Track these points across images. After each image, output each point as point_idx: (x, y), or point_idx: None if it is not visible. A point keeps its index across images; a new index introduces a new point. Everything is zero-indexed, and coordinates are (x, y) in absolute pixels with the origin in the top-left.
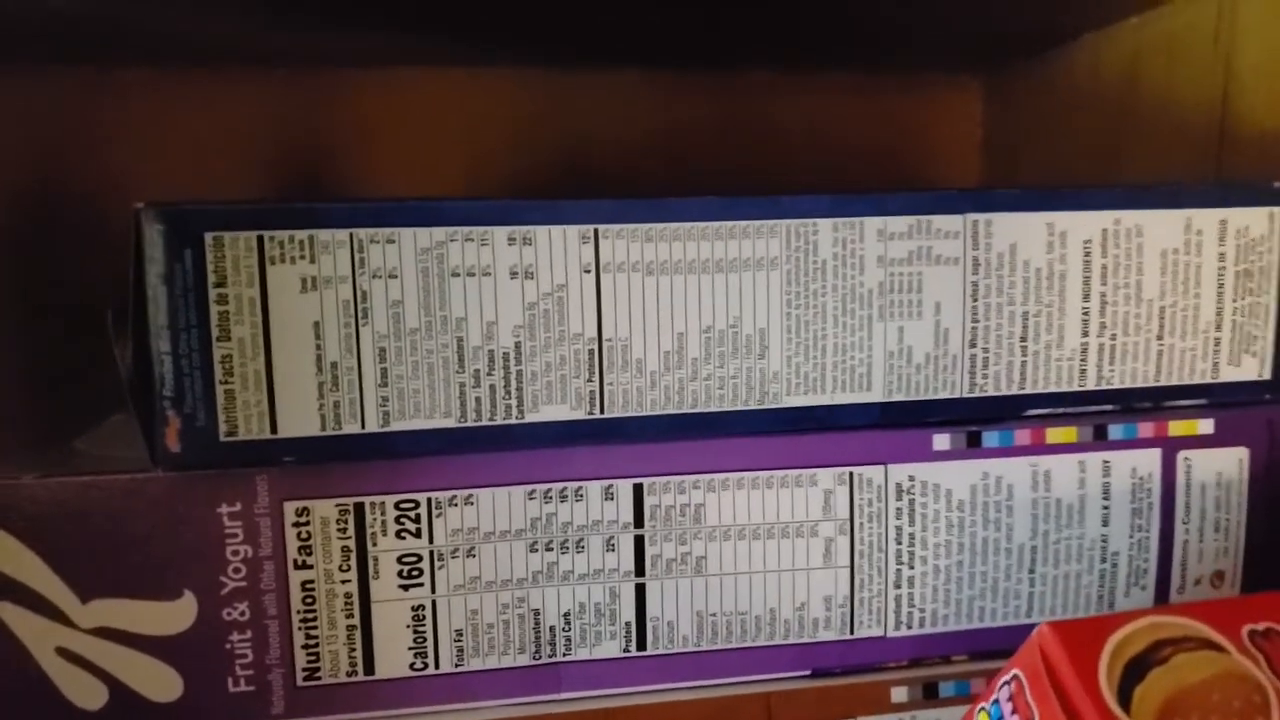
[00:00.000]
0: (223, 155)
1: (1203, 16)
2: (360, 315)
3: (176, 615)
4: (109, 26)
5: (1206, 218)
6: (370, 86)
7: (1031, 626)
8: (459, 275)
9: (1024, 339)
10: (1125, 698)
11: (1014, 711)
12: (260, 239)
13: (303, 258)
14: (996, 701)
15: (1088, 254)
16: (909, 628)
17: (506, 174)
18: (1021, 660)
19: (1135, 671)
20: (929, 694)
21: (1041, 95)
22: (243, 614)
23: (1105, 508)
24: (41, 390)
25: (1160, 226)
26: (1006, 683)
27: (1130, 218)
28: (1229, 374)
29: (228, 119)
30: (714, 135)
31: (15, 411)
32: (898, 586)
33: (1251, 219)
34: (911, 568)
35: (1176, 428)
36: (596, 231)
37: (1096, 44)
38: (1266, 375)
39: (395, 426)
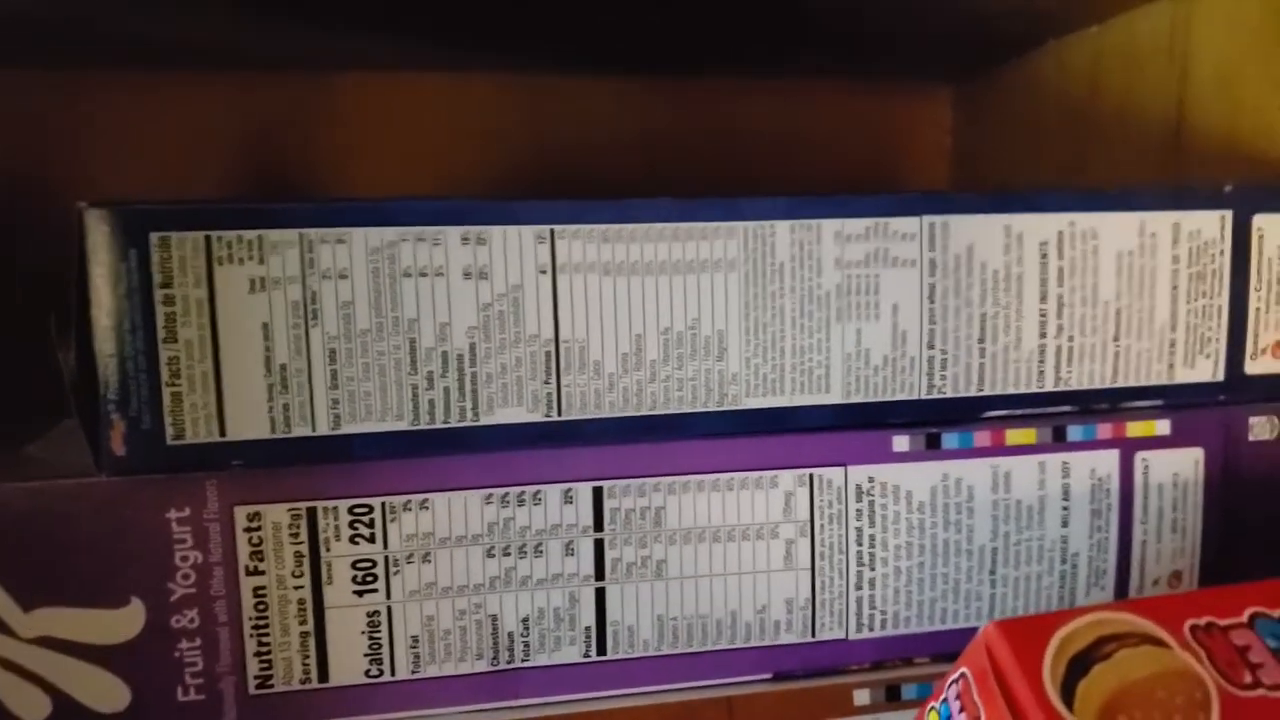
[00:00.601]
0: (196, 159)
1: (1158, 27)
2: (310, 316)
3: (123, 623)
4: (79, 28)
5: (1159, 220)
6: (345, 91)
7: None
8: (411, 276)
9: (982, 340)
10: (1069, 694)
11: (961, 710)
12: (208, 239)
13: (251, 258)
14: (945, 700)
15: (1044, 256)
16: (870, 630)
17: (480, 180)
18: (969, 659)
19: (1079, 667)
20: (891, 696)
21: (1008, 103)
22: (192, 621)
23: (1065, 509)
24: None
25: (1115, 229)
26: (954, 681)
27: (1085, 220)
28: (1184, 375)
29: (202, 123)
30: (687, 142)
31: None
32: (859, 588)
33: (1203, 222)
34: (872, 569)
35: (1134, 429)
36: (553, 232)
37: (1059, 52)
38: (1220, 377)
39: (347, 429)
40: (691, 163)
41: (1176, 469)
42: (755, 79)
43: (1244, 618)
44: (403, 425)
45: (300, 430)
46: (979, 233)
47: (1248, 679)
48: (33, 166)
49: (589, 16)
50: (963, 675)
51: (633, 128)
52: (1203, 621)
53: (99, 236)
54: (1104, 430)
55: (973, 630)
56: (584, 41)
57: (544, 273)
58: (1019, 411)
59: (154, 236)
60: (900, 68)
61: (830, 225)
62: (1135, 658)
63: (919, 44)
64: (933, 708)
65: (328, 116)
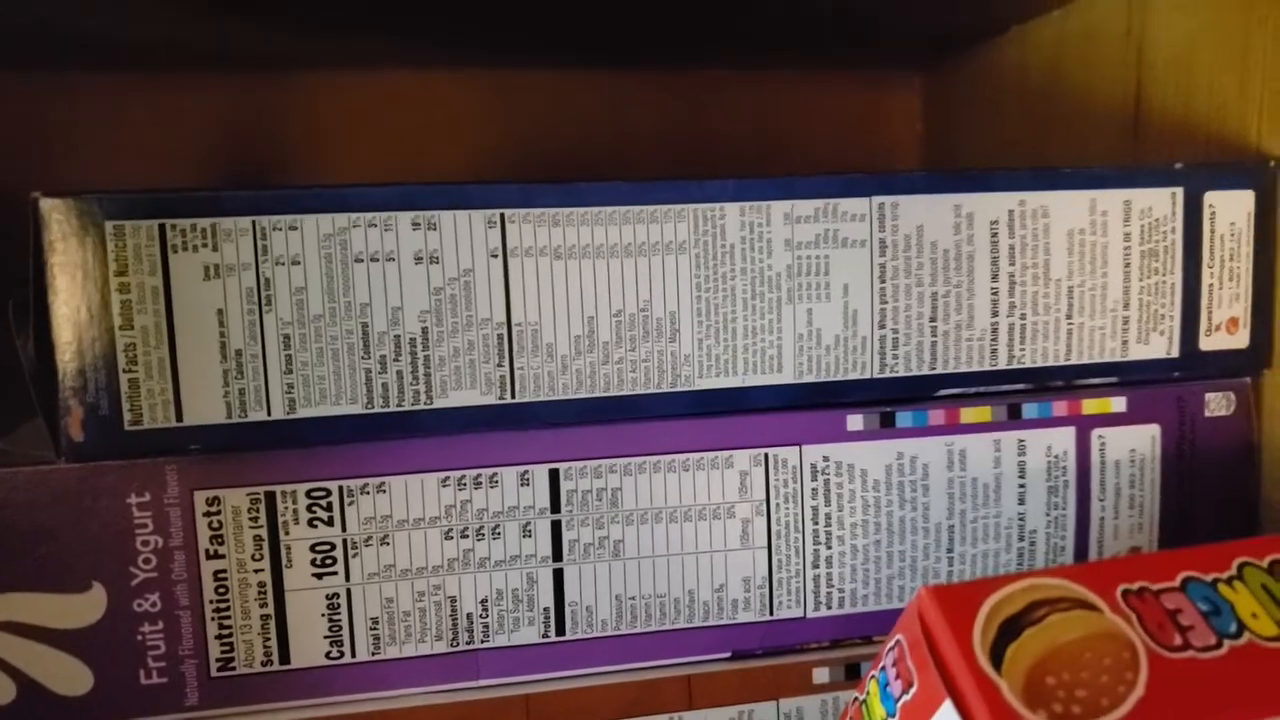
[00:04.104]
0: (164, 161)
1: (1116, 7)
2: (264, 302)
3: (85, 608)
4: (44, 30)
5: (1111, 199)
6: (316, 91)
7: None
8: (363, 261)
9: (933, 319)
10: (998, 657)
11: (897, 676)
12: (162, 227)
13: (205, 245)
14: (883, 668)
15: (995, 235)
16: (829, 608)
17: (454, 177)
18: (904, 625)
19: (1010, 631)
20: (850, 675)
21: (975, 89)
22: (154, 605)
23: (1021, 486)
24: None
25: (1066, 207)
26: (891, 648)
27: (1036, 199)
28: (1138, 352)
29: (169, 125)
30: (660, 134)
31: None
32: (815, 567)
33: (1154, 199)
34: (829, 548)
35: (1090, 406)
36: (503, 216)
37: (1022, 37)
38: (1174, 353)
39: (301, 413)
40: (664, 157)
41: (1133, 445)
42: (727, 71)
43: (1176, 582)
44: (357, 409)
45: (256, 415)
46: (928, 212)
47: (1177, 640)
48: (4, 169)
49: (562, 10)
50: (898, 642)
51: (606, 123)
52: (1135, 586)
53: (54, 226)
54: (1059, 407)
55: None
56: (556, 36)
57: (495, 256)
58: (973, 390)
59: (109, 225)
60: (870, 57)
61: (779, 207)
62: (1065, 621)
63: (888, 33)
64: (873, 676)
65: (298, 117)
